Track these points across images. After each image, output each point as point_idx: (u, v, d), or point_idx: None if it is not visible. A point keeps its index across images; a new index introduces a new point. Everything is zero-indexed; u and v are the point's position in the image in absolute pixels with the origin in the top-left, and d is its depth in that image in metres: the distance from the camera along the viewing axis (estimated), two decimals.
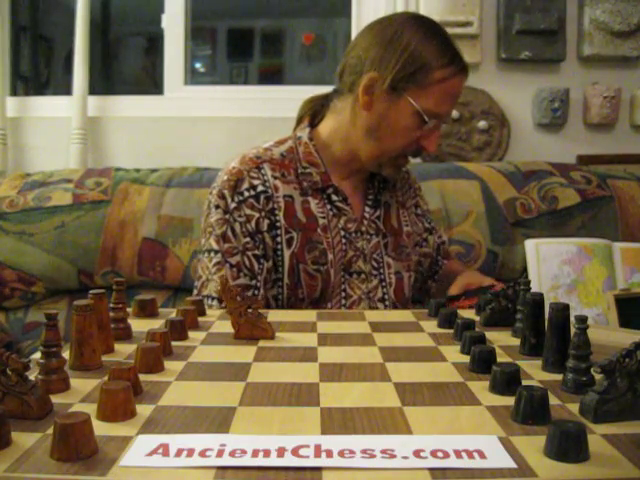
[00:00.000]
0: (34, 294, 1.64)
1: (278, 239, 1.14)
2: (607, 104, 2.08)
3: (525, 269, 1.69)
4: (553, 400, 0.54)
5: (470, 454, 0.43)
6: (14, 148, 2.09)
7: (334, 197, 1.19)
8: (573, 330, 0.58)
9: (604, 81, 2.10)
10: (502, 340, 0.76)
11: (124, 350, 0.71)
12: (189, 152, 2.05)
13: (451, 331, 0.78)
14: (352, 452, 0.44)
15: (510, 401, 0.52)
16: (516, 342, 0.73)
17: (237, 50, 2.79)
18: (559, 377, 0.60)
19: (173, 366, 0.64)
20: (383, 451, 0.44)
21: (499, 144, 2.09)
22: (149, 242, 1.63)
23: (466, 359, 0.66)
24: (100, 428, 0.47)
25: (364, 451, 0.44)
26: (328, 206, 1.19)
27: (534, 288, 0.86)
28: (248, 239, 1.13)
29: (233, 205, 1.14)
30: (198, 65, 2.74)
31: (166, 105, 2.15)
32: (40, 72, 2.52)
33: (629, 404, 0.50)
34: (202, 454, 0.43)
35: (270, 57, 2.86)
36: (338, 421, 0.50)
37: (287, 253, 1.14)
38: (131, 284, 1.63)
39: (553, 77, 2.12)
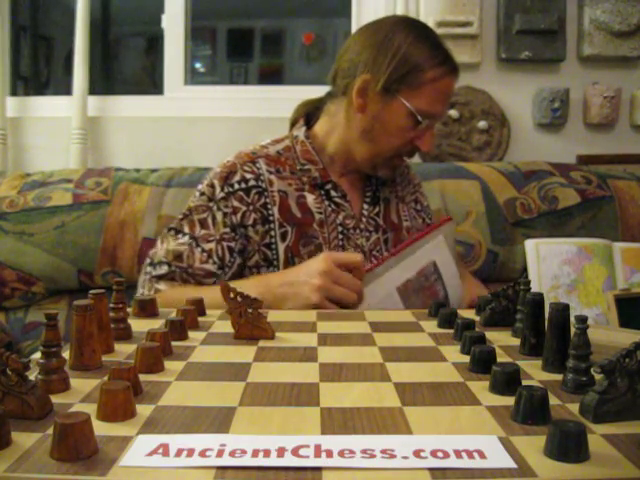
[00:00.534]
0: (34, 294, 1.64)
1: (272, 233, 1.15)
2: (607, 104, 2.08)
3: (525, 269, 1.69)
4: (553, 400, 0.54)
5: (470, 454, 0.43)
6: (14, 148, 2.09)
7: (333, 193, 1.21)
8: (573, 330, 0.58)
9: (604, 81, 2.10)
10: (502, 340, 0.76)
11: (124, 350, 0.71)
12: (189, 152, 2.05)
13: (451, 331, 0.78)
14: (352, 452, 0.44)
15: (510, 401, 0.52)
16: (516, 342, 0.73)
17: (237, 50, 2.79)
18: (559, 377, 0.60)
19: (173, 366, 0.64)
20: (383, 451, 0.44)
21: (499, 144, 2.09)
22: (149, 242, 1.63)
23: (466, 359, 0.66)
24: (100, 428, 0.47)
25: (364, 451, 0.44)
26: (326, 202, 1.20)
27: (534, 288, 0.86)
28: (227, 230, 1.15)
29: (221, 195, 1.16)
30: (198, 65, 2.74)
31: (166, 105, 2.15)
32: (40, 72, 2.52)
33: (629, 404, 0.50)
34: (202, 454, 0.43)
35: (270, 57, 2.86)
36: (338, 421, 0.50)
37: (282, 247, 1.15)
38: (131, 284, 1.62)
39: (553, 77, 2.12)
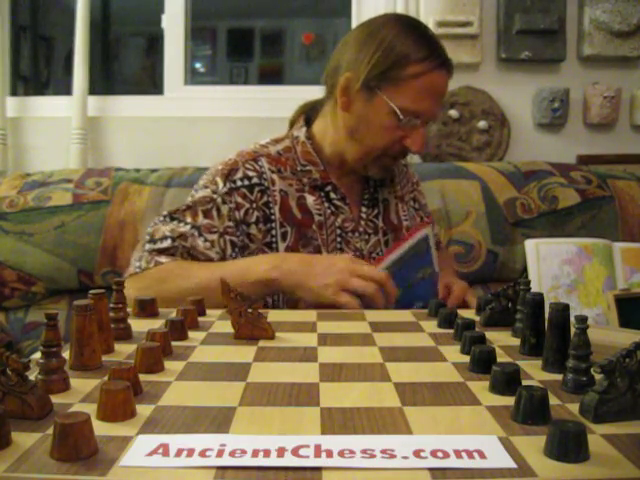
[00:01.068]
0: (34, 294, 1.63)
1: (273, 232, 1.15)
2: (607, 104, 2.08)
3: (525, 269, 1.69)
4: (553, 400, 0.54)
5: (470, 454, 0.43)
6: (14, 148, 2.09)
7: (332, 195, 1.20)
8: (573, 330, 0.58)
9: (604, 81, 2.10)
10: (502, 340, 0.76)
11: (124, 350, 0.71)
12: (189, 152, 2.05)
13: (451, 331, 0.78)
14: (352, 452, 0.44)
15: (510, 401, 0.52)
16: (516, 342, 0.73)
17: (237, 50, 2.79)
18: (559, 377, 0.60)
19: (173, 366, 0.64)
20: (383, 451, 0.44)
21: (499, 144, 2.09)
22: None
23: (466, 359, 0.66)
24: (100, 428, 0.47)
25: (364, 451, 0.44)
26: (326, 204, 1.19)
27: (534, 288, 0.86)
28: (231, 224, 1.13)
29: (224, 190, 1.14)
30: (198, 65, 2.74)
31: (166, 105, 2.15)
32: (40, 72, 2.52)
33: (629, 404, 0.50)
34: (202, 454, 0.43)
35: (270, 57, 2.86)
36: (338, 421, 0.50)
37: (282, 246, 1.15)
38: None
39: (553, 77, 2.12)
